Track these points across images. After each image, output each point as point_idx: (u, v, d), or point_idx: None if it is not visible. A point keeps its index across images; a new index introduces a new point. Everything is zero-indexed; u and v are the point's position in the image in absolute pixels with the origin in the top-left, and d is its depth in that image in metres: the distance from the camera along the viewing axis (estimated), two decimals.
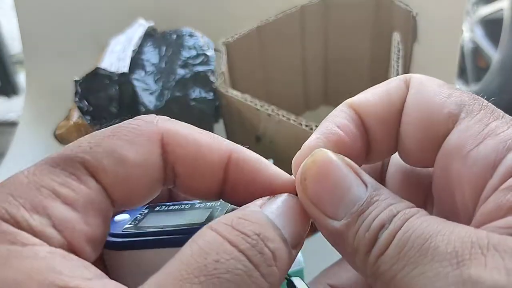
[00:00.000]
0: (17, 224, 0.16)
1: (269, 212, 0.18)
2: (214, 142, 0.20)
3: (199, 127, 0.21)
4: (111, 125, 0.19)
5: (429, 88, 0.20)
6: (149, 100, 0.51)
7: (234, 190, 0.20)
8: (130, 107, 0.50)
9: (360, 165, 0.19)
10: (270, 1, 0.60)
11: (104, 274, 0.16)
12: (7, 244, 0.15)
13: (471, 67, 1.43)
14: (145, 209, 0.22)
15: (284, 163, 0.51)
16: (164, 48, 0.58)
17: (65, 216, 0.16)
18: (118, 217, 0.21)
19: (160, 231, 0.20)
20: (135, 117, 0.19)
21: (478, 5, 1.43)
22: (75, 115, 0.53)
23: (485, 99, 0.19)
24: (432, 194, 0.21)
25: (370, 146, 0.21)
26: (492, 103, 0.19)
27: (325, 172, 0.18)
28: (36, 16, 0.78)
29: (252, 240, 0.16)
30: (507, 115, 0.18)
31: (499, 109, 0.19)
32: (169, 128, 0.19)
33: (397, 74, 0.47)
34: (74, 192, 0.17)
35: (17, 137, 0.74)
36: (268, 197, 0.19)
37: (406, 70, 0.58)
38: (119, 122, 0.19)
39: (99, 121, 0.49)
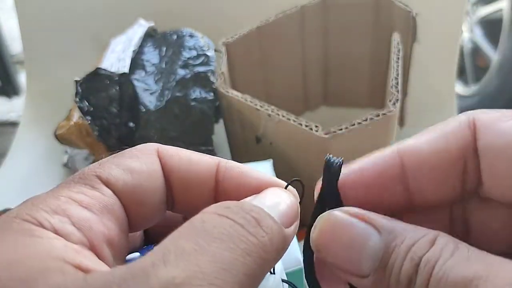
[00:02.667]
0: (39, 223, 0.17)
1: (256, 202, 0.20)
2: (202, 155, 0.22)
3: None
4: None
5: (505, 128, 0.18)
6: (149, 100, 0.51)
7: (226, 198, 0.21)
8: (131, 107, 0.50)
9: (401, 212, 0.19)
10: (270, 1, 0.60)
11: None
12: (28, 237, 0.16)
13: (471, 67, 1.43)
14: (154, 246, 0.22)
15: (284, 163, 0.52)
16: (164, 49, 0.58)
17: (83, 215, 0.18)
18: (130, 256, 0.22)
19: None
20: None
21: (477, 6, 1.43)
22: (76, 115, 0.53)
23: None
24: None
25: (413, 196, 0.20)
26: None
27: (337, 235, 0.18)
28: (37, 16, 0.78)
29: (235, 210, 0.18)
30: None
31: None
32: (163, 146, 0.22)
33: (397, 74, 0.47)
34: (89, 197, 0.19)
35: (18, 137, 0.74)
36: (255, 195, 0.21)
37: (406, 70, 0.58)
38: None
39: (99, 121, 0.49)
